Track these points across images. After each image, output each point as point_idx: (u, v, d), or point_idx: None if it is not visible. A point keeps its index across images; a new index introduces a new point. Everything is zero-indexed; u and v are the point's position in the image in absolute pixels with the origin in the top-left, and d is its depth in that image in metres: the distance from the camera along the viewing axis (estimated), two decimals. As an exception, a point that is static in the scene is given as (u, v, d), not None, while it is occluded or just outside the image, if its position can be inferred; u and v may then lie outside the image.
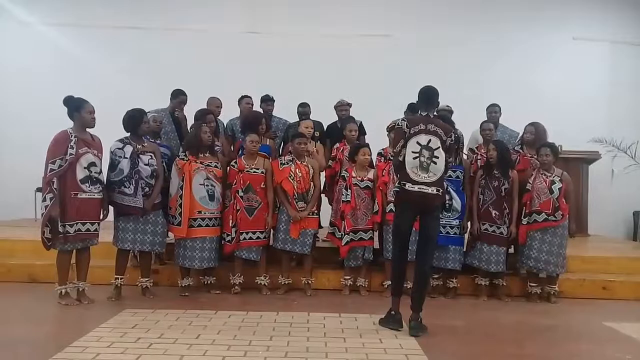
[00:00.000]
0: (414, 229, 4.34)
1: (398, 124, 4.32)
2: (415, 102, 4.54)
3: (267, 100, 6.43)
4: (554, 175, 5.36)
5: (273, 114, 6.48)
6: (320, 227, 5.71)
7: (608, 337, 4.29)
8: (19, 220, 7.89)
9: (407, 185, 4.08)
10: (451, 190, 5.35)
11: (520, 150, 5.75)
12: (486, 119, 6.30)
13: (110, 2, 9.09)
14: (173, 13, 9.16)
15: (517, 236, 5.34)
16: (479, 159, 5.78)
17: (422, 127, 4.12)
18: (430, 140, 4.10)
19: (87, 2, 9.14)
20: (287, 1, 9.30)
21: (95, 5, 9.12)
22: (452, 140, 4.22)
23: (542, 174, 5.37)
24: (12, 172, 8.30)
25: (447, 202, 5.29)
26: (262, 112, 6.22)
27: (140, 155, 4.86)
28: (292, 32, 8.96)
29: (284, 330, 4.06)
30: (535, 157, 5.52)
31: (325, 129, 6.44)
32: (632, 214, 9.11)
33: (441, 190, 4.14)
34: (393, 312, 4.22)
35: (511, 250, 5.54)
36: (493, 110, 6.48)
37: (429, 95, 4.28)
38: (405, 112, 5.66)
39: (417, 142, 4.09)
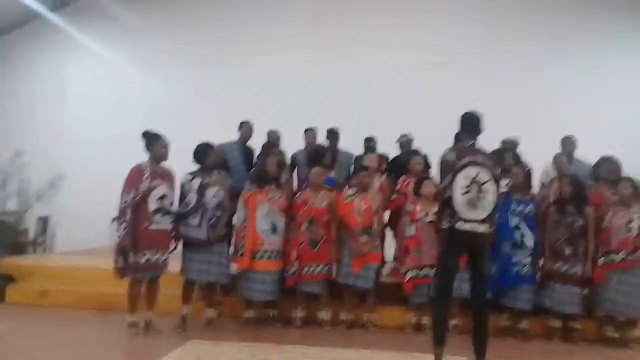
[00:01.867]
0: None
1: (445, 157, 4.10)
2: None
3: (333, 134, 6.47)
4: (633, 211, 5.06)
5: (338, 147, 6.51)
6: (384, 262, 5.62)
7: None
8: (95, 249, 8.21)
9: (457, 224, 3.80)
10: (523, 226, 5.16)
11: (593, 184, 5.47)
12: (560, 151, 6.07)
13: (180, 41, 9.60)
14: (234, 48, 9.48)
15: (592, 276, 5.06)
16: (552, 194, 5.55)
17: (470, 159, 3.86)
18: (479, 173, 3.81)
19: (164, 42, 9.68)
20: (346, 31, 9.42)
21: (166, 45, 9.64)
22: (498, 172, 3.98)
23: (620, 210, 5.09)
24: (86, 199, 8.64)
25: (517, 238, 5.12)
26: (327, 145, 6.28)
27: (208, 188, 4.99)
28: (354, 60, 9.07)
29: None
30: (614, 191, 5.24)
31: (390, 161, 6.41)
32: None
33: (493, 227, 3.86)
34: None
35: (587, 291, 5.23)
36: (568, 143, 6.21)
37: (471, 121, 4.05)
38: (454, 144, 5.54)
39: (466, 176, 3.81)
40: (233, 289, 5.46)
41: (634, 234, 4.98)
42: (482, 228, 3.80)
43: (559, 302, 5.07)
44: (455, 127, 5.90)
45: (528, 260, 5.13)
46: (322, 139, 6.50)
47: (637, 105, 8.78)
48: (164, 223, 4.76)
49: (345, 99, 8.71)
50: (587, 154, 6.14)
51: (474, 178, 3.80)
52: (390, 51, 9.17)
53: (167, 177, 4.85)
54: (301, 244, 5.19)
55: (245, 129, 6.00)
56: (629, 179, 5.18)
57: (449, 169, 3.97)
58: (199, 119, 8.76)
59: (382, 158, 6.16)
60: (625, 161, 5.55)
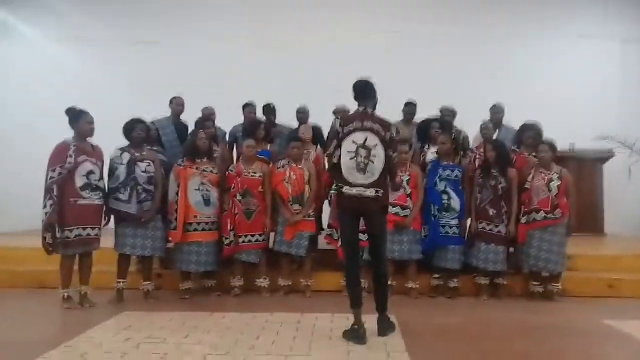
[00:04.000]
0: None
1: (333, 124, 4.11)
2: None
3: (269, 109, 6.53)
4: (552, 172, 5.30)
5: (277, 122, 6.56)
6: (321, 229, 5.76)
7: (604, 335, 4.21)
8: (31, 231, 8.03)
9: (344, 189, 3.87)
10: (450, 190, 5.36)
11: (517, 150, 5.70)
12: (489, 118, 6.27)
13: (113, 18, 9.40)
14: (172, 26, 9.33)
15: (516, 235, 5.30)
16: (478, 159, 5.77)
17: (357, 125, 3.88)
18: (367, 139, 3.85)
19: (92, 18, 9.43)
20: (286, 7, 9.39)
21: (98, 21, 9.42)
22: (392, 135, 3.98)
23: (540, 172, 5.32)
24: (21, 182, 8.36)
25: (445, 202, 5.31)
26: (264, 119, 6.33)
27: (138, 163, 5.00)
28: (293, 38, 9.11)
29: (272, 330, 4.10)
30: (534, 155, 5.48)
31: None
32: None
33: (381, 192, 3.88)
34: (356, 326, 3.90)
35: (512, 249, 5.48)
36: (496, 111, 6.42)
37: (363, 89, 4.03)
38: None
39: (353, 142, 3.86)
40: (171, 262, 5.53)
41: (553, 194, 5.22)
42: (369, 192, 3.84)
43: (485, 261, 5.31)
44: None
45: (455, 222, 5.34)
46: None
47: (568, 72, 9.11)
48: (93, 199, 4.76)
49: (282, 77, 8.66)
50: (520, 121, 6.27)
51: (362, 143, 3.85)
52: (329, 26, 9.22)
53: (94, 153, 4.84)
54: (236, 214, 5.28)
55: (176, 103, 6.04)
56: (548, 143, 5.40)
57: (334, 135, 4.00)
58: (126, 95, 8.60)
59: (314, 129, 6.21)
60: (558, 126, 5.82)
